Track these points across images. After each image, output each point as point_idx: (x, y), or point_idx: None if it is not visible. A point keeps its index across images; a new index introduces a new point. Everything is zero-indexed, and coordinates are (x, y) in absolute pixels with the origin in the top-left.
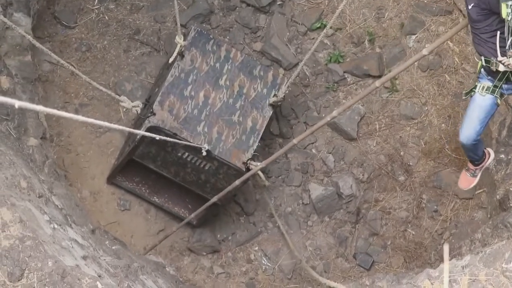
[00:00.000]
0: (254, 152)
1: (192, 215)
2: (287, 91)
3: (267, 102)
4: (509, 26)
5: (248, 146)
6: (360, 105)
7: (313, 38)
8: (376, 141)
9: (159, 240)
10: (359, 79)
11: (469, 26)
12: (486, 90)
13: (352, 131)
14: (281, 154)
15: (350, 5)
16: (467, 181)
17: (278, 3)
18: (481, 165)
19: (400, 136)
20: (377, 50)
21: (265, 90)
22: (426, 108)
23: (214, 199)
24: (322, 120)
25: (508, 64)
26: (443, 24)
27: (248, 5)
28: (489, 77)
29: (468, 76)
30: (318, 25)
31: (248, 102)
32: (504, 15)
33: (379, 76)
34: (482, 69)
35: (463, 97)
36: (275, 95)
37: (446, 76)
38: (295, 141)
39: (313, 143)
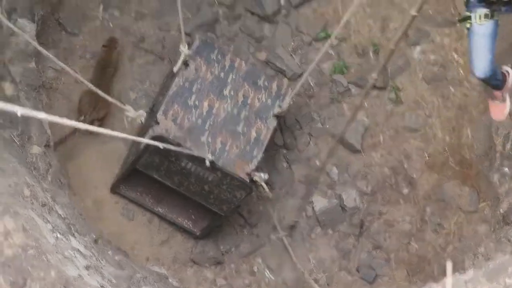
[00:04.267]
0: (258, 163)
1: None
2: (291, 102)
3: (272, 112)
4: None
5: (252, 157)
6: (365, 117)
7: (318, 48)
8: (380, 153)
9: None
10: (363, 91)
11: None
12: (484, 18)
13: (356, 143)
14: None
15: (355, 16)
16: (499, 109)
17: (283, 12)
18: (505, 86)
19: (404, 148)
20: (382, 61)
21: (269, 101)
22: (431, 120)
23: None
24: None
25: None
26: (447, 35)
27: (253, 14)
28: (483, 4)
29: (473, 88)
30: (323, 35)
31: (252, 112)
32: None
33: (384, 88)
34: None
35: (457, 24)
36: (279, 105)
37: (451, 88)
38: None
39: (316, 154)
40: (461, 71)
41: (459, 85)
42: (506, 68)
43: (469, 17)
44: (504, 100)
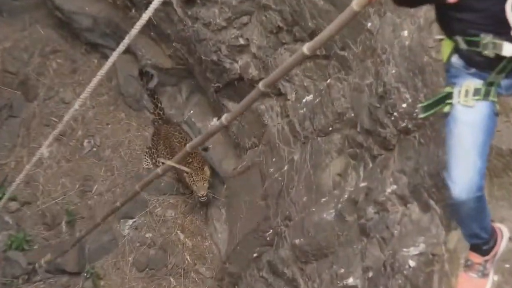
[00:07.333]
0: None
1: None
2: None
3: None
4: None
5: None
6: None
7: None
8: None
9: None
10: (49, 276)
11: None
12: (474, 94)
13: None
14: None
15: (45, 171)
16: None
17: None
18: (493, 252)
19: None
20: (77, 236)
21: None
22: None
23: None
24: None
25: None
26: (173, 206)
27: None
28: (474, 71)
29: (202, 282)
30: None
31: None
32: None
33: (78, 273)
34: (456, 59)
35: (420, 115)
36: None
37: (172, 279)
38: None
39: None
40: (188, 258)
41: (184, 277)
42: (499, 226)
43: (448, 95)
44: (486, 275)
